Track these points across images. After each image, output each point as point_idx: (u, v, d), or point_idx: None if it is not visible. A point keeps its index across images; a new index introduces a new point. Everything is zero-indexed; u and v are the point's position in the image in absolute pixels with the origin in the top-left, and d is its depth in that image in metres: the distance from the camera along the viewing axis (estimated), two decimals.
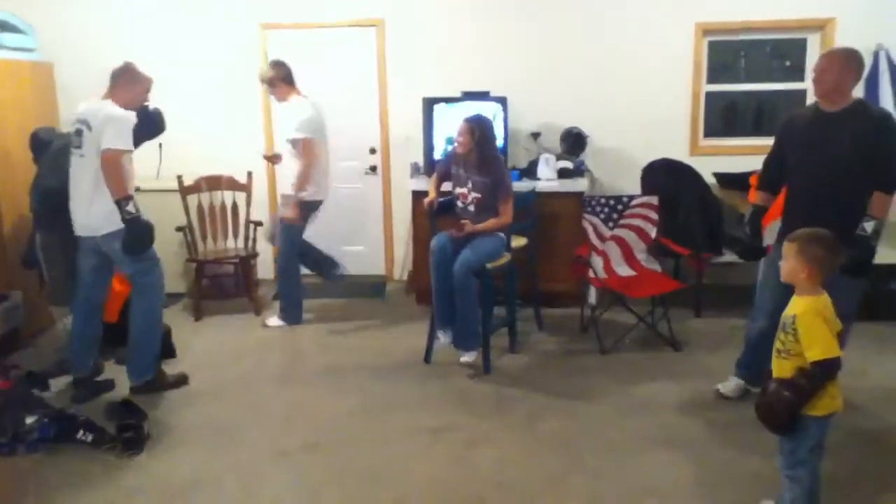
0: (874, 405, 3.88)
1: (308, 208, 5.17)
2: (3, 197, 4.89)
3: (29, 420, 3.66)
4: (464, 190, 4.51)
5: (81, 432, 3.65)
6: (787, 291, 2.78)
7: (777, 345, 2.64)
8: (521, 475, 3.32)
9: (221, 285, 6.02)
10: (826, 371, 2.50)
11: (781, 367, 2.61)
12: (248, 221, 5.75)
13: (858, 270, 3.42)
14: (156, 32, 5.88)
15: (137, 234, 3.93)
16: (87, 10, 5.99)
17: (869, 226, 3.40)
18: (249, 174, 5.74)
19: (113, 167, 3.84)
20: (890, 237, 3.81)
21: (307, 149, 5.03)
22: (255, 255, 5.77)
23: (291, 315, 5.33)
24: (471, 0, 5.89)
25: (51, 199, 4.45)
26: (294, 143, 5.08)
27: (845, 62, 3.55)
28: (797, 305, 2.59)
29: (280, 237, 5.26)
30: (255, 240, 5.77)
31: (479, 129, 4.39)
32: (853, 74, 3.56)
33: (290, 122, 5.12)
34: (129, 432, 3.64)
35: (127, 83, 4.03)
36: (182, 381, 4.37)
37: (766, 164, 3.89)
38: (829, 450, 2.75)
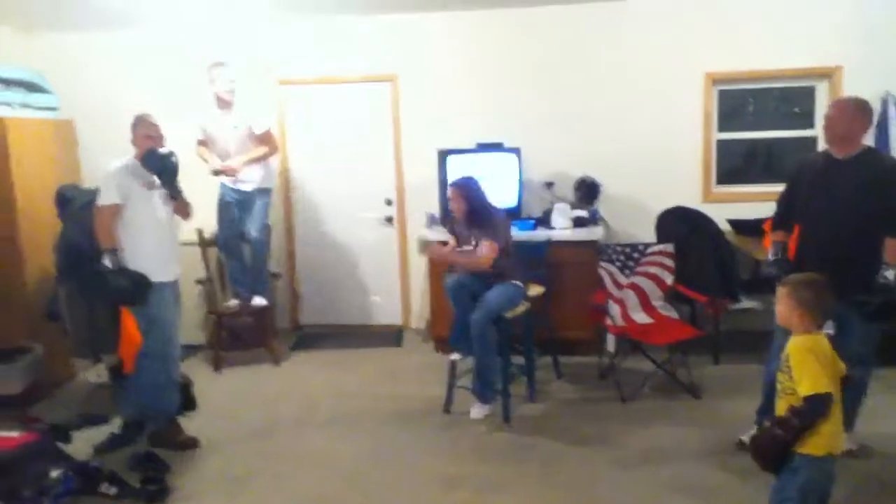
0: (886, 450, 3.84)
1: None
2: (27, 252, 4.98)
3: (54, 473, 3.67)
4: (470, 247, 4.63)
5: (105, 485, 3.67)
6: None
7: (778, 385, 2.70)
8: None
9: (240, 336, 6.05)
10: (814, 407, 2.52)
11: (780, 408, 2.67)
12: (262, 274, 5.80)
13: (881, 317, 3.45)
14: (172, 90, 6.02)
15: (105, 288, 4.02)
16: (105, 68, 6.16)
17: (890, 273, 3.43)
18: (268, 227, 5.82)
19: (95, 220, 4.05)
20: None
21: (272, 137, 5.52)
22: (273, 305, 5.81)
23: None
24: (482, 54, 6.03)
25: (74, 253, 4.55)
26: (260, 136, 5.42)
27: (855, 111, 3.63)
28: (790, 344, 2.66)
29: None
30: (272, 291, 5.84)
31: (466, 191, 4.58)
32: (863, 122, 3.64)
33: (246, 121, 5.39)
34: (152, 485, 3.67)
35: (132, 131, 4.16)
36: (190, 444, 4.25)
37: (778, 205, 3.96)
38: (844, 498, 2.75)
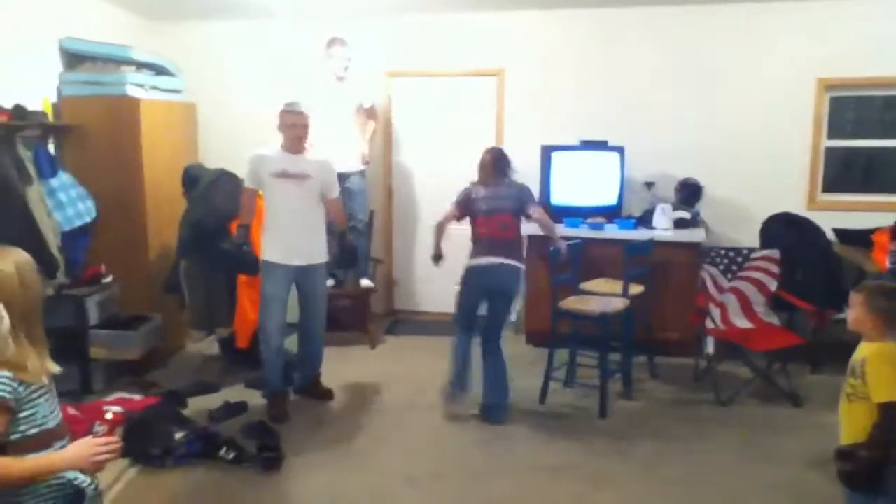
0: None
1: None
2: (151, 227, 5.27)
3: (178, 435, 3.92)
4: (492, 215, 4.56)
5: (224, 450, 3.89)
6: None
7: (847, 388, 2.67)
8: None
9: (337, 318, 6.23)
10: (893, 415, 2.51)
11: (851, 411, 2.64)
12: (367, 257, 5.99)
13: None
14: (290, 75, 6.24)
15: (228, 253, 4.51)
16: (222, 55, 6.44)
17: None
18: (371, 213, 6.00)
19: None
20: None
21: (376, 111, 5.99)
22: (374, 290, 5.98)
23: None
24: (588, 52, 6.06)
25: (198, 229, 4.81)
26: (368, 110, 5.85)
27: None
28: (866, 349, 2.63)
29: None
30: (373, 275, 6.02)
31: (504, 156, 4.66)
32: None
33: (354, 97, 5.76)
34: (268, 452, 3.87)
35: (279, 117, 4.39)
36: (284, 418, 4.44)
37: None
38: None
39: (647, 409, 4.65)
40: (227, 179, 4.97)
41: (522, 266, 4.54)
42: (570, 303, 4.74)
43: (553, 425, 4.40)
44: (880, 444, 2.53)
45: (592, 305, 4.66)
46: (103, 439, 2.11)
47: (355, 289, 5.86)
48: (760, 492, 3.59)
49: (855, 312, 2.70)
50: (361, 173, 5.86)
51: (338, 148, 5.58)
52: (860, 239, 5.37)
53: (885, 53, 5.59)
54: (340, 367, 5.33)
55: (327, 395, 4.73)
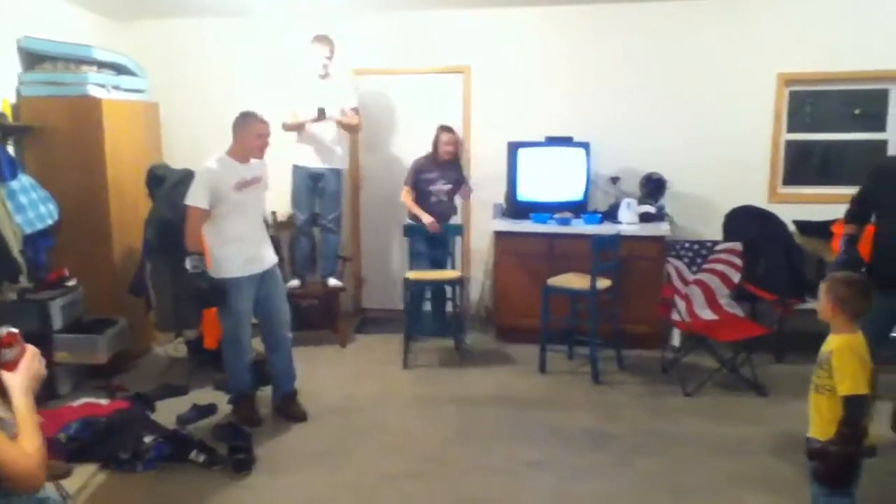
0: None
1: None
2: (116, 228, 5.20)
3: (147, 439, 3.88)
4: (439, 186, 5.66)
5: (195, 452, 3.86)
6: (872, 333, 2.99)
7: (815, 380, 2.74)
8: None
9: (306, 317, 6.21)
10: (856, 407, 2.58)
11: (819, 403, 2.72)
12: (336, 256, 5.97)
13: None
14: (252, 78, 6.21)
15: (194, 291, 4.12)
16: (189, 52, 6.36)
17: None
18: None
19: (186, 221, 4.11)
20: None
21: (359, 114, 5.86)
22: (342, 289, 5.97)
23: None
24: (553, 49, 6.10)
25: (165, 230, 4.75)
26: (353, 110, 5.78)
27: None
28: (833, 342, 2.71)
29: None
30: (342, 274, 6.01)
31: (457, 136, 5.71)
32: None
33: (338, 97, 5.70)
34: (240, 454, 3.84)
35: (239, 128, 4.18)
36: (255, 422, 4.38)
37: (853, 202, 3.97)
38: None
39: (619, 401, 4.70)
40: (192, 180, 4.90)
41: None
42: (558, 280, 5.11)
43: (528, 418, 4.45)
44: (848, 439, 2.59)
45: (579, 283, 5.05)
46: (33, 351, 2.05)
47: (323, 288, 5.84)
48: (729, 481, 3.65)
49: (820, 301, 2.79)
50: (337, 173, 5.83)
51: (314, 147, 5.62)
52: (820, 230, 5.50)
53: (842, 49, 5.71)
54: (311, 366, 5.30)
55: (299, 417, 4.46)
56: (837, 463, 2.61)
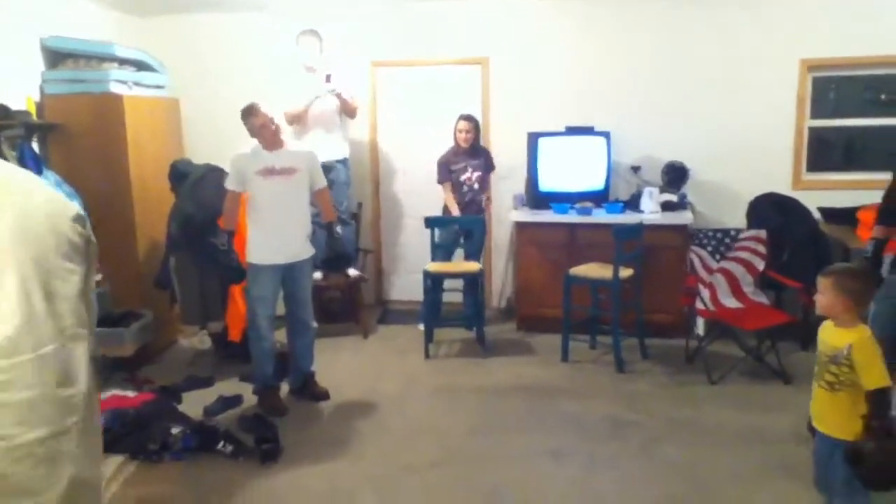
0: None
1: None
2: (140, 223, 5.25)
3: (174, 430, 3.93)
4: (468, 174, 5.71)
5: (222, 443, 3.91)
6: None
7: (827, 377, 2.67)
8: (645, 500, 3.41)
9: (328, 309, 6.25)
10: (884, 400, 2.54)
11: (835, 401, 2.66)
12: (357, 248, 5.99)
13: None
14: (269, 73, 6.23)
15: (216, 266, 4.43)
16: (209, 47, 6.39)
17: None
18: (359, 204, 6.00)
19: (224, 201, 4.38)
20: None
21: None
22: (363, 279, 5.99)
23: None
24: (572, 38, 6.07)
25: (189, 224, 4.80)
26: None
27: None
28: (849, 336, 2.63)
29: None
30: (364, 265, 6.03)
31: (476, 123, 5.73)
32: None
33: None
34: (266, 444, 3.88)
35: (246, 121, 4.35)
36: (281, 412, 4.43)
37: (885, 199, 3.91)
38: None
39: (643, 390, 4.69)
40: (215, 175, 4.94)
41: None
42: (580, 270, 5.16)
43: (548, 408, 4.44)
44: (880, 432, 2.53)
45: (601, 272, 5.09)
46: None
47: (345, 279, 5.86)
48: (756, 470, 3.63)
49: (825, 297, 2.70)
50: (344, 163, 5.86)
51: (319, 138, 5.63)
52: (845, 217, 5.43)
53: (865, 34, 5.63)
54: (334, 357, 5.34)
55: (323, 395, 4.63)
56: (879, 458, 2.51)
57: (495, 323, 6.12)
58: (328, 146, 5.67)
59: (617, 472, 3.67)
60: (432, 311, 5.60)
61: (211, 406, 4.47)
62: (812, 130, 5.94)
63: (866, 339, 2.61)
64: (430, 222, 5.62)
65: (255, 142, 4.35)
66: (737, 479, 3.55)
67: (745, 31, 5.81)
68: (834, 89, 5.99)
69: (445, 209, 5.77)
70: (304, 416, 4.42)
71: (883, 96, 5.97)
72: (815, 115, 5.93)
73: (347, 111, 5.86)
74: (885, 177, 4.04)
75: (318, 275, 5.81)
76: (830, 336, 2.71)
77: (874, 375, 2.55)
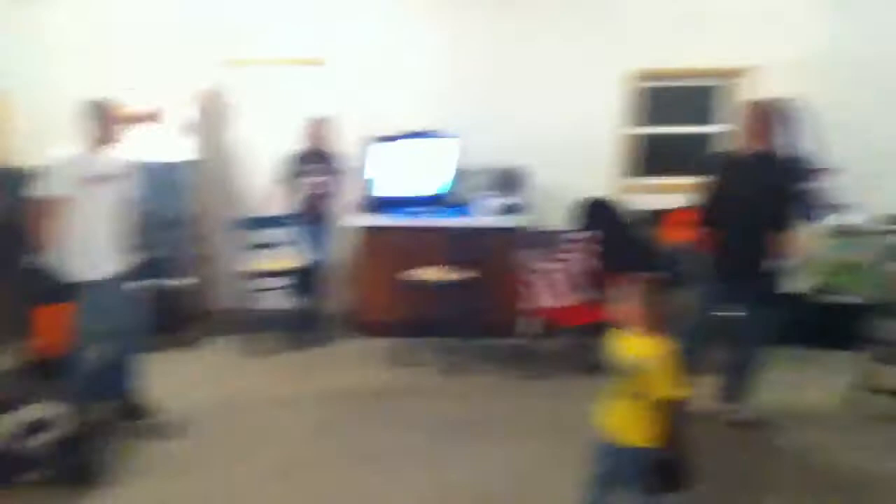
0: (772, 419, 4.20)
1: None
2: None
3: None
4: (314, 176, 5.61)
5: (28, 471, 3.57)
6: (711, 313, 3.46)
7: (620, 388, 2.66)
8: (469, 497, 3.46)
9: (155, 320, 5.88)
10: (676, 408, 2.56)
11: (629, 410, 2.63)
12: (191, 255, 5.71)
13: (773, 301, 3.92)
14: (106, 66, 5.83)
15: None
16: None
17: (785, 262, 3.76)
18: (194, 209, 5.71)
19: (30, 212, 3.84)
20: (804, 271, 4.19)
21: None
22: (193, 288, 5.71)
23: None
24: (413, 41, 6.11)
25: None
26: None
27: (765, 112, 3.94)
28: (644, 346, 2.62)
29: None
30: (187, 274, 5.76)
31: (323, 124, 5.63)
32: (772, 122, 3.93)
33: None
34: (84, 466, 3.59)
35: (96, 118, 3.91)
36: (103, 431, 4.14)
37: (705, 204, 4.17)
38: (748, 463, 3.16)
39: (475, 389, 4.76)
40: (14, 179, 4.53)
41: None
42: (418, 273, 5.14)
43: (388, 410, 4.44)
44: (675, 443, 2.57)
45: (438, 275, 5.10)
46: None
47: (172, 288, 5.57)
48: (581, 461, 3.75)
49: (626, 306, 2.65)
50: (181, 165, 5.57)
51: (162, 138, 5.36)
52: (664, 218, 5.77)
53: (688, 46, 6.00)
54: (160, 370, 5.01)
55: (147, 411, 4.32)
56: (674, 467, 2.56)
57: (334, 328, 6.02)
58: (165, 146, 5.42)
59: (452, 470, 3.69)
60: (259, 317, 5.43)
61: (20, 429, 4.08)
62: (637, 136, 6.28)
63: (662, 350, 2.59)
64: (247, 223, 5.48)
65: (69, 144, 3.91)
66: (560, 471, 3.62)
67: (576, 40, 6.06)
68: (656, 98, 6.37)
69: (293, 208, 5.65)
70: (129, 434, 4.12)
71: (703, 105, 6.41)
72: (640, 123, 6.27)
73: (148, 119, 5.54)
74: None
75: (140, 284, 5.48)
76: (627, 345, 2.67)
77: (666, 385, 2.54)
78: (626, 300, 2.66)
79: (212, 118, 5.93)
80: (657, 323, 2.62)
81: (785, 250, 3.82)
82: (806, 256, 3.98)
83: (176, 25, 5.80)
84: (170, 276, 5.59)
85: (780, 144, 4.12)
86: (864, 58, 5.84)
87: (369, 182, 5.82)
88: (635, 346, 2.64)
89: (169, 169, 5.46)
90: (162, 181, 5.47)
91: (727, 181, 4.04)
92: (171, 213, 5.55)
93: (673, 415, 2.56)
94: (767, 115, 3.92)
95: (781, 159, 3.99)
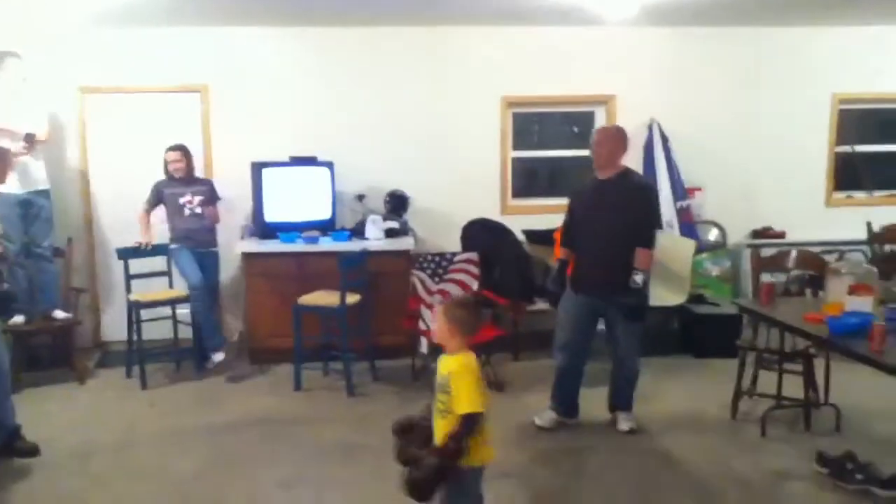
0: (657, 427, 4.49)
1: None
2: None
3: None
4: (188, 197, 5.54)
5: None
6: (579, 329, 3.74)
7: (438, 405, 2.69)
8: None
9: (37, 355, 5.70)
10: (470, 426, 2.59)
11: (442, 427, 2.67)
12: (69, 288, 5.56)
13: (637, 315, 4.18)
14: None
15: None
16: None
17: (639, 278, 4.08)
18: (69, 240, 5.59)
19: None
20: (673, 285, 4.52)
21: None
22: (77, 322, 5.56)
23: None
24: (295, 69, 6.21)
25: None
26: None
27: (614, 136, 4.30)
28: (450, 364, 2.68)
29: None
30: (76, 306, 5.60)
31: (186, 151, 5.57)
32: (621, 147, 4.29)
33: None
34: None
35: None
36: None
37: (565, 226, 4.51)
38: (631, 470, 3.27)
39: (372, 412, 4.84)
40: None
41: None
42: (308, 299, 5.18)
43: (283, 439, 4.44)
44: (452, 453, 2.58)
45: (329, 300, 5.12)
46: None
47: (50, 322, 5.41)
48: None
49: (437, 325, 2.76)
50: (46, 194, 5.44)
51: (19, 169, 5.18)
52: (545, 238, 6.07)
53: (556, 76, 6.40)
54: (44, 408, 4.88)
55: (31, 450, 4.13)
56: (433, 474, 2.55)
57: (227, 356, 5.96)
58: (29, 177, 5.25)
59: (350, 496, 3.76)
60: (151, 347, 5.35)
61: None
62: (516, 160, 6.59)
63: (463, 367, 2.64)
64: (123, 253, 5.46)
65: None
66: None
67: (452, 69, 6.34)
68: (537, 122, 6.74)
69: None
70: (10, 475, 3.97)
71: (575, 129, 6.82)
72: (518, 147, 6.60)
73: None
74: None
75: (19, 318, 5.30)
76: (441, 364, 2.74)
77: (463, 401, 2.58)
78: (436, 320, 2.79)
79: (66, 146, 5.86)
80: (461, 341, 2.72)
81: (640, 266, 4.09)
82: (661, 271, 4.27)
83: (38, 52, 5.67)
84: (49, 309, 5.40)
85: (632, 168, 4.45)
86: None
87: (256, 208, 5.84)
88: (442, 365, 2.75)
89: (26, 200, 5.30)
90: (23, 213, 5.34)
91: (580, 204, 4.36)
92: (33, 246, 5.39)
93: (463, 427, 2.59)
94: (616, 141, 4.23)
95: (631, 181, 4.28)
